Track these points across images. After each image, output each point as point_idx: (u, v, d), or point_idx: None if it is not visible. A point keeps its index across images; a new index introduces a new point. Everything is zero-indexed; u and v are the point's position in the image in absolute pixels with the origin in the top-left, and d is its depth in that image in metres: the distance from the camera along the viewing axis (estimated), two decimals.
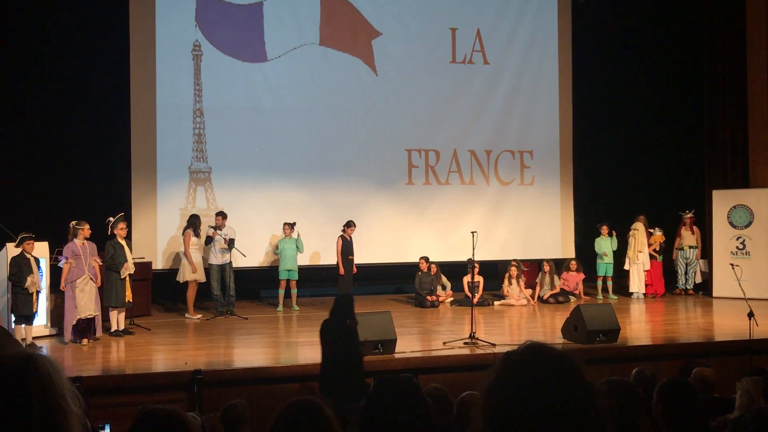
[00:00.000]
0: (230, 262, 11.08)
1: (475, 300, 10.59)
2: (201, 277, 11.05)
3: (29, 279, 8.61)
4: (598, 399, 1.56)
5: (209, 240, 11.06)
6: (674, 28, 14.51)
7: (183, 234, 11.21)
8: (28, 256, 8.73)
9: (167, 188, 12.00)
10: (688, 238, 13.20)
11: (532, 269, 13.22)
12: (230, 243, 10.99)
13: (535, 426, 1.49)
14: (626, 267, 12.96)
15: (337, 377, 6.28)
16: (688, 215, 13.22)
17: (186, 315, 10.96)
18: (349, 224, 11.62)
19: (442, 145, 13.39)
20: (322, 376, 6.47)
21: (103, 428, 4.37)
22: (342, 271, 11.39)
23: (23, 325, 8.68)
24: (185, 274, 11.00)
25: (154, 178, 11.92)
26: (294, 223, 11.65)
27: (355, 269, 11.67)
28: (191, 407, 6.55)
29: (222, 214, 11.26)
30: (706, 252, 13.29)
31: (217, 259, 11.05)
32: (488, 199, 13.61)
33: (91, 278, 9.10)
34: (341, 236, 11.53)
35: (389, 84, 13.16)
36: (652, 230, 13.05)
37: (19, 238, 8.75)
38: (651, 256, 12.93)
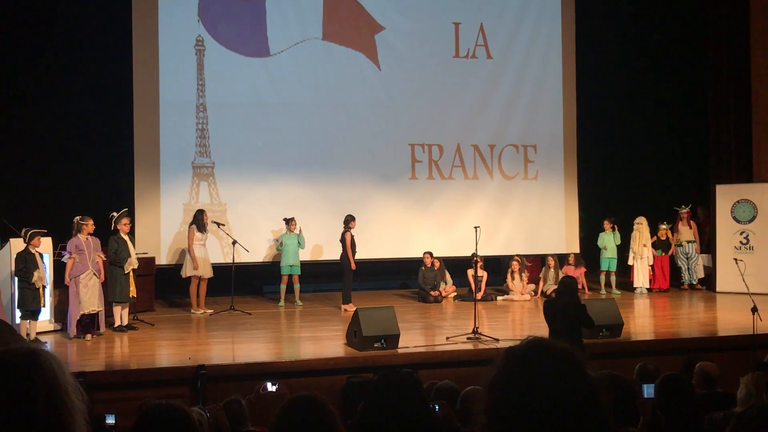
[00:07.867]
0: None
1: (479, 295, 10.58)
2: (205, 272, 11.06)
3: (36, 274, 8.64)
4: (601, 394, 1.55)
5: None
6: (679, 22, 14.45)
7: (188, 229, 11.21)
8: (33, 251, 8.75)
9: (170, 183, 12.00)
10: (686, 233, 13.18)
11: (535, 264, 13.20)
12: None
13: (538, 421, 1.49)
14: (630, 262, 12.94)
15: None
16: (685, 210, 13.19)
17: (191, 311, 10.98)
18: (353, 218, 11.51)
19: (446, 140, 13.36)
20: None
21: (107, 419, 4.38)
22: (353, 266, 11.29)
23: (28, 320, 8.72)
24: (187, 270, 11.01)
25: (158, 174, 11.91)
26: (292, 218, 11.62)
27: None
28: (195, 402, 6.56)
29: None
30: (708, 246, 13.27)
31: None
32: (492, 193, 13.58)
33: (94, 273, 9.11)
34: (350, 232, 11.42)
35: (392, 79, 13.13)
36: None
37: (30, 233, 8.76)
38: (654, 246, 12.91)
